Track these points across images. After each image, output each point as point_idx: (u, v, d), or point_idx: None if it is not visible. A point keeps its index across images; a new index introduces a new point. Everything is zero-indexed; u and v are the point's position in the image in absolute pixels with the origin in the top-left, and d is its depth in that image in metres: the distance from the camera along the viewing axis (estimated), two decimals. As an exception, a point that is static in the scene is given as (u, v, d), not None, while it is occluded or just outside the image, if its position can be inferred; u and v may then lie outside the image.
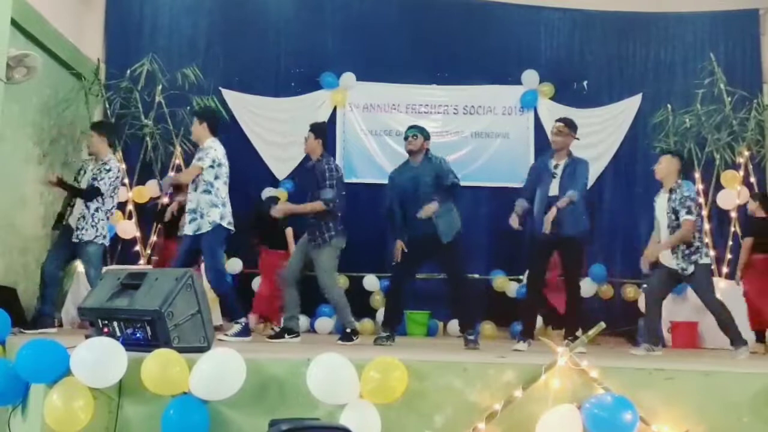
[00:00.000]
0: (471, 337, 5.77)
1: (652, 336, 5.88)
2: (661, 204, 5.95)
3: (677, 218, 5.77)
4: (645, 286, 8.24)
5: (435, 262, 6.28)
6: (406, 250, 6.03)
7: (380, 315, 8.13)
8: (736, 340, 5.67)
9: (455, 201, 6.15)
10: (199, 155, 5.93)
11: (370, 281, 8.56)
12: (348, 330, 6.03)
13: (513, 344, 5.94)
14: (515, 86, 9.38)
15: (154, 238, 8.38)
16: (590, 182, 8.99)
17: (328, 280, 6.11)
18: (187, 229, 5.84)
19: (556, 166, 5.99)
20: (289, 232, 7.95)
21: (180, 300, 3.82)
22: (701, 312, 7.12)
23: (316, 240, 6.07)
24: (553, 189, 5.93)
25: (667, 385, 3.61)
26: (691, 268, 5.74)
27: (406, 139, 6.21)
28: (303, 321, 7.38)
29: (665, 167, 5.95)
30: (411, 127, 6.29)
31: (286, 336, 5.97)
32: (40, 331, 5.71)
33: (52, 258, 6.20)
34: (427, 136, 6.26)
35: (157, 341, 3.72)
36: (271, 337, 6.12)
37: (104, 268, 6.24)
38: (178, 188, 7.50)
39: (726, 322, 5.69)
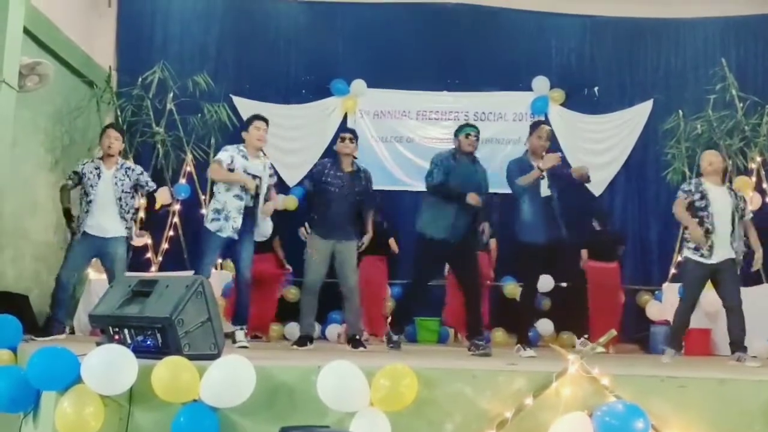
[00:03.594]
0: (481, 344, 5.74)
1: (677, 341, 5.89)
2: (723, 197, 5.91)
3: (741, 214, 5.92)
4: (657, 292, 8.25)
5: (452, 267, 6.27)
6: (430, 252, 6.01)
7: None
8: (740, 345, 5.72)
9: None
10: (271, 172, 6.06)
11: (381, 288, 8.55)
12: (357, 336, 6.04)
13: (523, 351, 5.91)
14: (526, 92, 9.39)
15: (165, 245, 8.41)
16: (601, 188, 9.08)
17: (357, 279, 6.17)
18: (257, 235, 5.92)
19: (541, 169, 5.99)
20: (277, 242, 7.97)
21: (190, 307, 3.81)
22: (714, 319, 7.10)
23: (350, 235, 6.10)
24: (543, 190, 5.92)
25: (680, 393, 3.58)
26: (739, 258, 5.89)
27: (467, 136, 6.07)
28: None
29: (721, 161, 6.07)
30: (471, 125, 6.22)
31: (308, 344, 6.02)
32: (51, 338, 5.73)
33: (69, 266, 6.12)
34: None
35: (168, 348, 3.71)
36: (296, 343, 6.13)
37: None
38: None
39: (740, 324, 5.74)
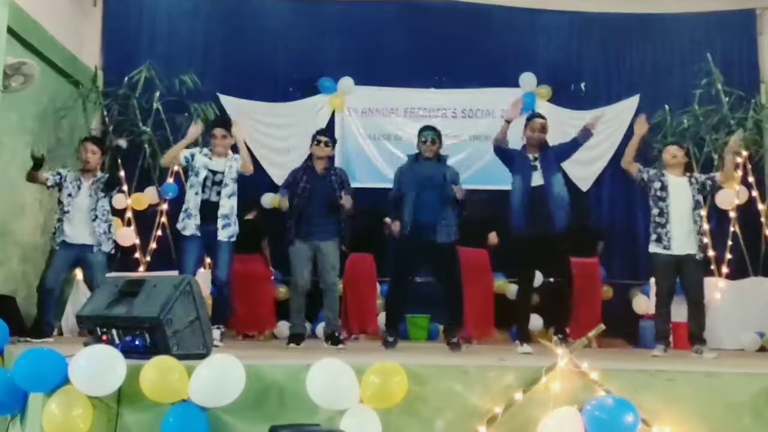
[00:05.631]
0: (454, 340, 5.80)
1: (664, 335, 5.96)
2: (684, 190, 6.09)
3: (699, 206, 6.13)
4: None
5: (432, 264, 6.26)
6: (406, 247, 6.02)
7: (380, 319, 8.12)
8: (699, 337, 5.91)
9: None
10: (236, 156, 6.16)
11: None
12: (336, 333, 6.06)
13: (514, 347, 5.93)
14: (513, 89, 9.36)
15: (153, 245, 8.38)
16: (589, 184, 9.10)
17: (336, 275, 6.17)
18: (222, 234, 5.93)
19: (535, 159, 6.00)
20: (265, 243, 7.96)
21: (179, 307, 3.81)
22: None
23: (329, 234, 6.09)
24: (536, 180, 5.94)
25: (668, 387, 3.60)
26: (701, 255, 6.02)
27: (424, 142, 6.16)
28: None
29: (684, 155, 6.33)
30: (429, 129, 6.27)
31: (299, 343, 6.04)
32: (41, 341, 5.71)
33: (53, 271, 6.18)
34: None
35: (156, 348, 3.70)
36: (288, 342, 6.13)
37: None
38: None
39: (702, 317, 5.94)
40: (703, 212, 6.41)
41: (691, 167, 7.12)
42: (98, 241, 6.23)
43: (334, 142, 6.51)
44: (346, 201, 6.05)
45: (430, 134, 6.13)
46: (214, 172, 6.01)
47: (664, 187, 6.08)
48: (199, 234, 5.91)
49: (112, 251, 6.51)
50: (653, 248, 6.08)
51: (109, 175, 6.49)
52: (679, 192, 6.06)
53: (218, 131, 6.14)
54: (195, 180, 6.01)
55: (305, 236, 6.11)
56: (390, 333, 5.99)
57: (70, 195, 6.25)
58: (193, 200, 5.98)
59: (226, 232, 5.95)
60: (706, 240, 6.17)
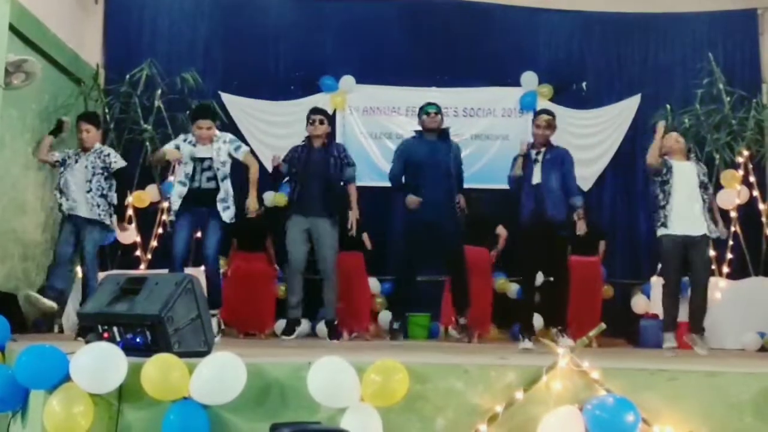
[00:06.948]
0: (463, 322, 5.89)
1: (671, 322, 5.98)
2: (689, 172, 6.12)
3: (705, 187, 6.17)
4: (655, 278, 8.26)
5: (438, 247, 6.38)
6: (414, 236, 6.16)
7: (381, 318, 8.14)
8: (700, 328, 5.94)
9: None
10: (236, 144, 6.14)
11: (371, 284, 8.52)
12: (336, 322, 6.07)
13: (515, 345, 5.94)
14: (514, 88, 9.39)
15: (154, 243, 8.38)
16: (590, 183, 9.10)
17: (335, 257, 6.19)
18: (225, 216, 5.99)
19: (538, 153, 6.04)
20: (269, 241, 7.97)
21: (180, 304, 3.80)
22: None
23: (327, 214, 6.10)
24: (536, 177, 5.97)
25: (670, 386, 3.60)
26: (715, 233, 6.07)
27: (428, 114, 6.27)
28: (305, 325, 7.38)
29: (684, 141, 6.38)
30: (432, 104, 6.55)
31: (296, 329, 6.08)
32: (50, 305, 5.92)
33: (61, 240, 6.38)
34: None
35: (158, 346, 3.70)
36: (284, 333, 6.16)
37: (105, 273, 6.24)
38: None
39: (704, 307, 5.96)
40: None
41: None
42: (96, 215, 6.29)
43: (328, 118, 6.59)
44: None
45: (434, 108, 6.48)
46: (202, 160, 6.02)
47: (669, 170, 6.12)
48: (187, 214, 6.00)
49: (109, 222, 6.50)
50: (660, 231, 6.10)
51: (114, 163, 6.49)
52: (682, 174, 6.10)
53: (204, 123, 6.07)
54: (181, 171, 6.07)
55: (301, 211, 6.15)
56: (396, 319, 6.12)
57: (67, 168, 6.41)
58: (176, 189, 6.06)
59: (228, 214, 6.00)
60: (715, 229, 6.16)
